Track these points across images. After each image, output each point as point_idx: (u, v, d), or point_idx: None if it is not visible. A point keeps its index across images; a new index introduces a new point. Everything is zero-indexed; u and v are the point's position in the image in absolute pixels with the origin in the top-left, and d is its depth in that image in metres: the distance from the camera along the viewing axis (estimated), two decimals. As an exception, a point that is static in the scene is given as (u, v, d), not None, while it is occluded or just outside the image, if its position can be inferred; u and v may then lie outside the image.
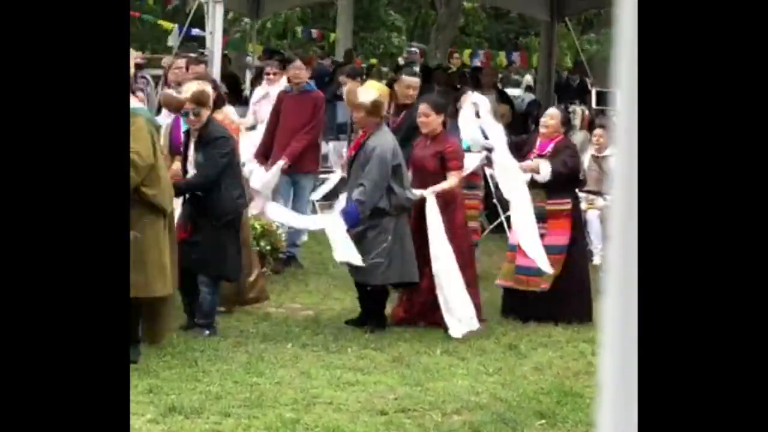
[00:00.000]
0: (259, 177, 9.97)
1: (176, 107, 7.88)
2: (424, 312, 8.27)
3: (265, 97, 11.18)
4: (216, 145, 7.69)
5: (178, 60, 10.58)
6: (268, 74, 11.36)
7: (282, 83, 11.14)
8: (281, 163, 9.99)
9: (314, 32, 26.28)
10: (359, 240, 7.91)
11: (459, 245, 8.19)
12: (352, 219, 7.88)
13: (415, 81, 9.70)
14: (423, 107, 8.47)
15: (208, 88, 7.90)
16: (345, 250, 7.86)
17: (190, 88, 7.80)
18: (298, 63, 10.79)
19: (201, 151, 7.72)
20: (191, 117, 7.70)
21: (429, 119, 8.38)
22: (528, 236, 8.31)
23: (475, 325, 7.99)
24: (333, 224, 7.97)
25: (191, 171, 7.82)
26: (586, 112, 12.25)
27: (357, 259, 7.85)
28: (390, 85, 9.86)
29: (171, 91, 8.09)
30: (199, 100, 7.72)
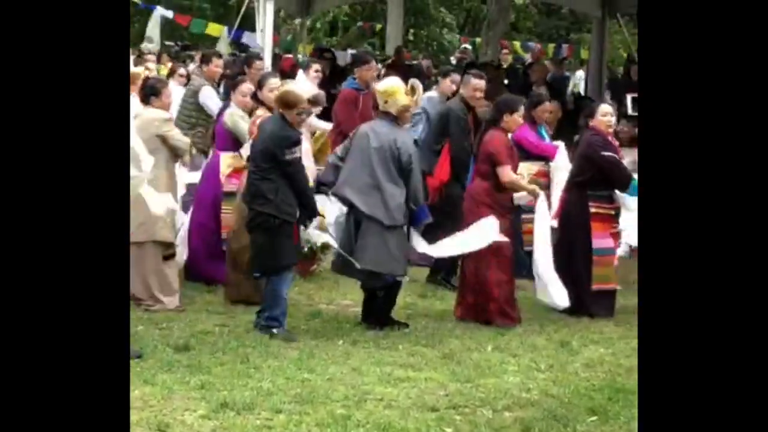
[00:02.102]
0: None
1: (295, 104, 7.52)
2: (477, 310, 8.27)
3: None
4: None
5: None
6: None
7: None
8: None
9: (361, 24, 26.33)
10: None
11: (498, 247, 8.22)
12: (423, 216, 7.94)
13: (482, 84, 9.67)
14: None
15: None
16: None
17: (306, 89, 7.69)
18: (373, 64, 10.91)
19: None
20: (304, 117, 7.68)
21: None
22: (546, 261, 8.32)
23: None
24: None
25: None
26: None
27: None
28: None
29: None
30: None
